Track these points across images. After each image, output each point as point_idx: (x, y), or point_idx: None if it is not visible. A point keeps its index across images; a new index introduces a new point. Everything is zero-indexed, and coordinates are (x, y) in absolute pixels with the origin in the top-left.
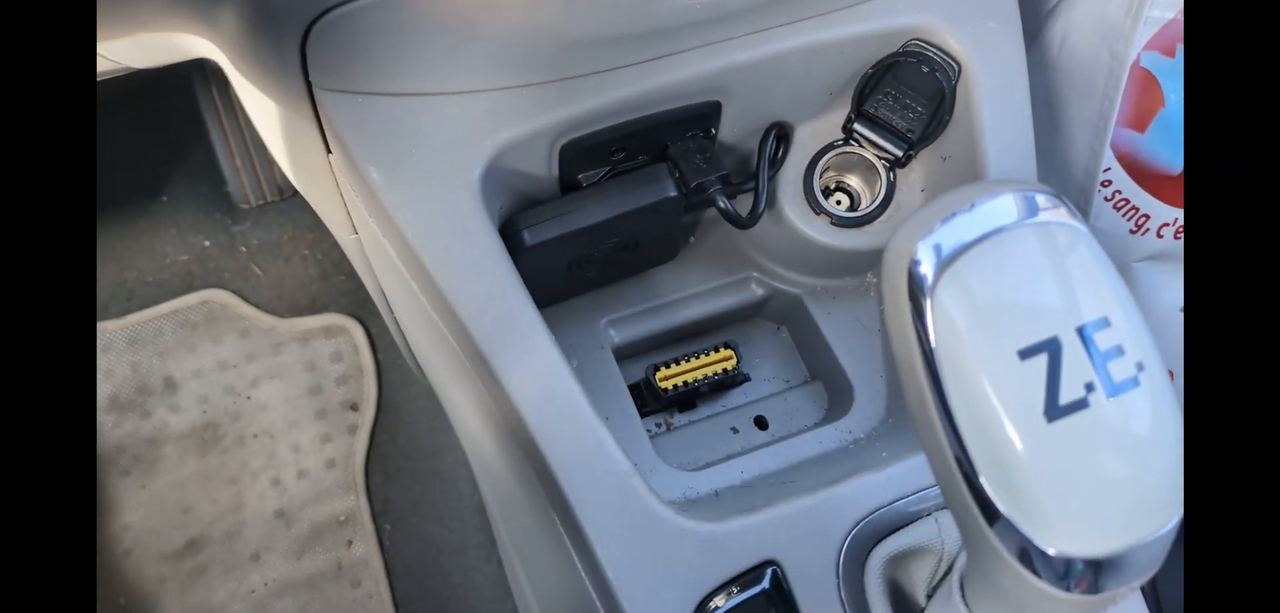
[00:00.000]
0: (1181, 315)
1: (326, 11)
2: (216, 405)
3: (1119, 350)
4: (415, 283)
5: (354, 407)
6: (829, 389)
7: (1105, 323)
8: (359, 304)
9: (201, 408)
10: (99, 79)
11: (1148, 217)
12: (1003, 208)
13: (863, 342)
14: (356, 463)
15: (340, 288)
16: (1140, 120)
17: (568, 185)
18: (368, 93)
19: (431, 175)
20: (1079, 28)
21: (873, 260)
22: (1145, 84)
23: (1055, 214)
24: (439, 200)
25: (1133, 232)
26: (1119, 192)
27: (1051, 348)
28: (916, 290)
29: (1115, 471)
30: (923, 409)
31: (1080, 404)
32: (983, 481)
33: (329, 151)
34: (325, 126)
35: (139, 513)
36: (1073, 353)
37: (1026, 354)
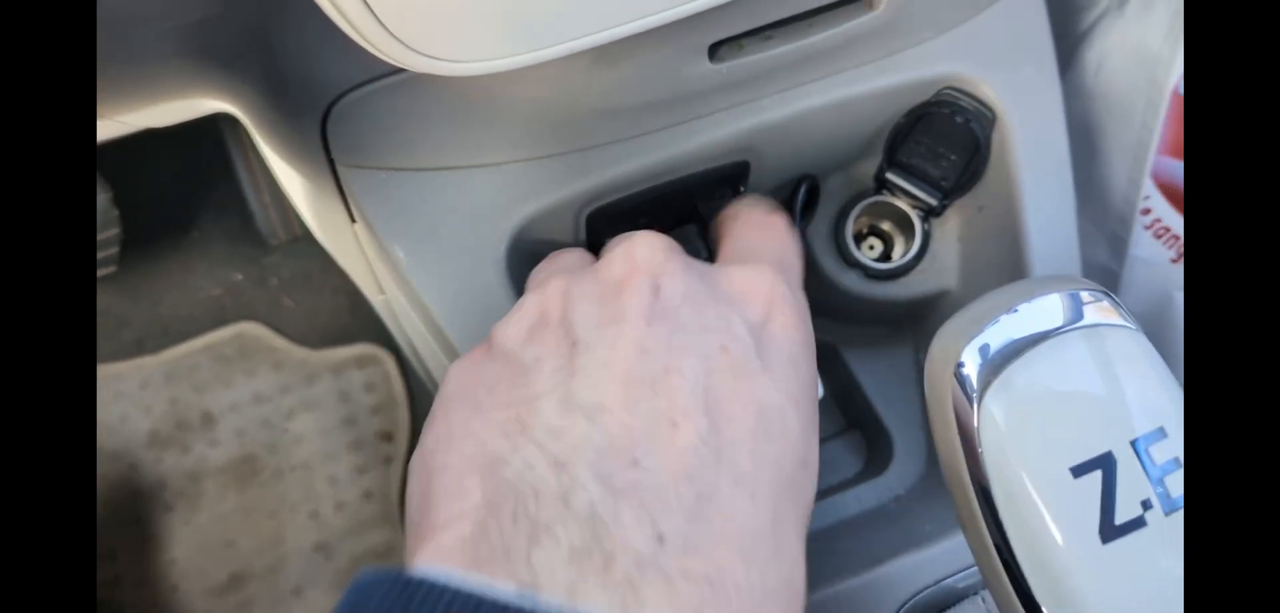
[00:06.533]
0: None
1: (345, 93)
2: (254, 438)
3: (1176, 463)
4: (444, 355)
5: (388, 437)
6: (867, 439)
7: (1161, 434)
8: (390, 334)
9: (239, 442)
10: (122, 136)
11: None
12: (1049, 309)
13: (899, 391)
14: (393, 494)
15: (371, 318)
16: (1180, 148)
17: (595, 250)
18: (391, 168)
19: (457, 252)
20: (1116, 53)
21: (909, 310)
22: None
23: (1102, 313)
24: (465, 277)
25: (1173, 261)
26: (1159, 219)
27: (1105, 465)
28: (962, 395)
29: (1174, 590)
30: (970, 513)
31: (1137, 523)
32: (1034, 592)
33: (353, 221)
34: (349, 200)
35: (183, 548)
36: (1128, 469)
37: (1080, 471)
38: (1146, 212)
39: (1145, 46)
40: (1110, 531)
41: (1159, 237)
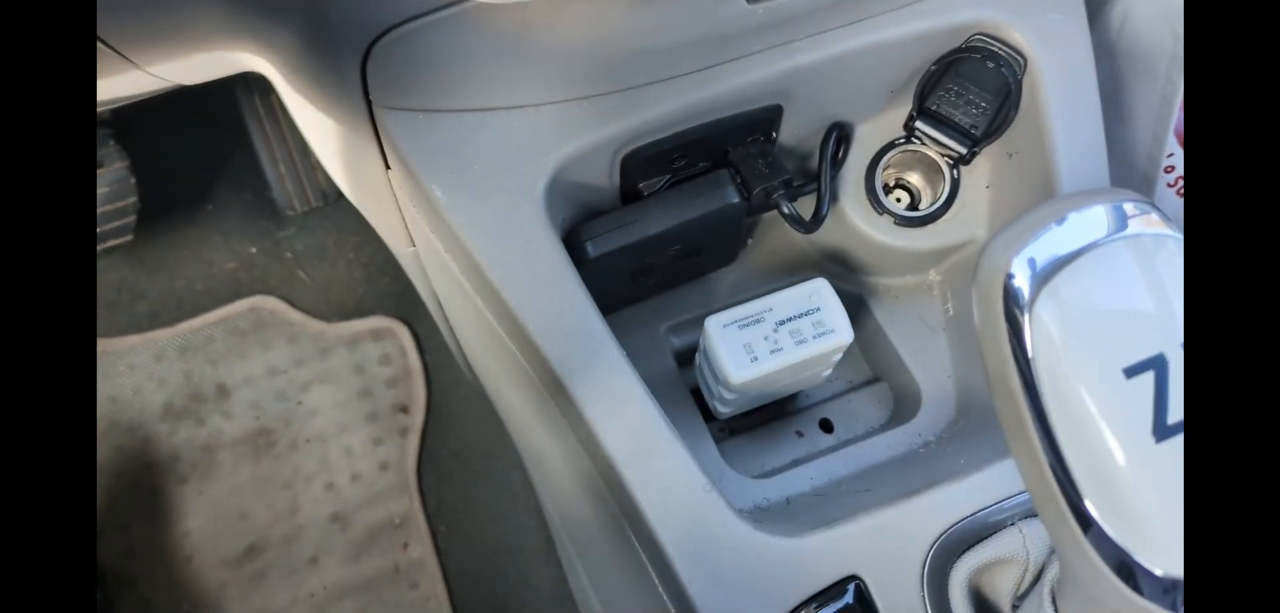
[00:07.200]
0: None
1: (387, 31)
2: (269, 411)
3: None
4: (479, 298)
5: (404, 409)
6: (894, 390)
7: None
8: (405, 306)
9: (254, 414)
10: (146, 96)
11: None
12: (1094, 220)
13: (927, 341)
14: (409, 465)
15: (386, 290)
16: None
17: (629, 194)
18: (429, 110)
19: (495, 191)
20: (1140, 10)
21: (936, 259)
22: None
23: (1147, 224)
24: (504, 216)
25: None
26: (1182, 177)
27: (1157, 366)
28: (1012, 305)
29: None
30: (1019, 426)
31: None
32: (1087, 501)
33: (388, 167)
34: (385, 143)
35: (198, 519)
36: (1180, 369)
37: (1132, 372)
38: (1170, 168)
39: (1169, 3)
40: (1163, 429)
41: (1181, 195)
